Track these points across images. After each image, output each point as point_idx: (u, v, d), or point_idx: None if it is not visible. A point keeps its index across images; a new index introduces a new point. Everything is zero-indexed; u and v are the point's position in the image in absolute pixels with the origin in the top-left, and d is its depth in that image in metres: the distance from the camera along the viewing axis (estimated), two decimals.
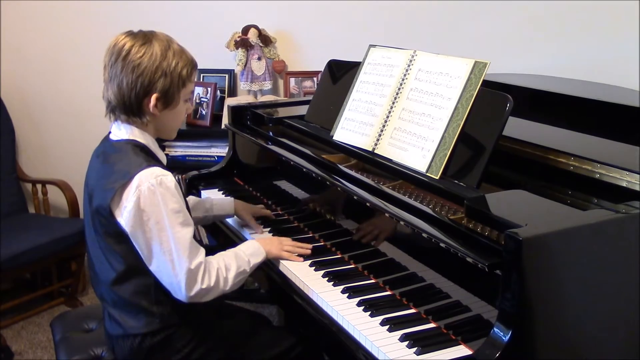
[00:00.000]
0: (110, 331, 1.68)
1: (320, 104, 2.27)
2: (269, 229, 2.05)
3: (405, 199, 1.62)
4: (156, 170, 1.56)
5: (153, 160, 1.61)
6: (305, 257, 1.81)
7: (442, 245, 1.43)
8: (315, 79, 3.26)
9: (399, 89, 1.86)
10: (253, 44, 3.20)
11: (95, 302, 3.36)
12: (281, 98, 3.29)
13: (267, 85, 3.25)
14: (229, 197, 2.20)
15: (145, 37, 1.60)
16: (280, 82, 3.36)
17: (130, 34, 1.62)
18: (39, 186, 3.51)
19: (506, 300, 1.24)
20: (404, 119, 1.81)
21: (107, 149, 1.66)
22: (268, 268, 1.83)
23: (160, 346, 1.64)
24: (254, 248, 1.76)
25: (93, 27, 3.49)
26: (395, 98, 1.86)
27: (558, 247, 1.25)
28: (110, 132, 1.71)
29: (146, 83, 1.58)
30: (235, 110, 2.54)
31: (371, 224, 1.77)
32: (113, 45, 1.62)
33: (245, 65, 3.22)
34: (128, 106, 1.61)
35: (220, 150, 3.19)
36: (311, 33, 3.30)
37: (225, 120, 3.11)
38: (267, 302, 3.20)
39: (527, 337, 1.24)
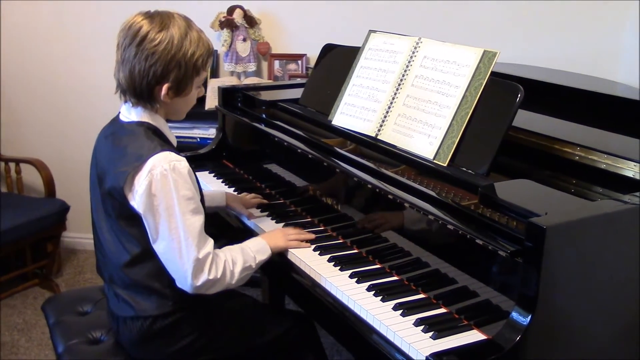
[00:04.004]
0: (118, 313, 1.65)
1: (316, 88, 2.26)
2: (266, 213, 2.04)
3: (415, 184, 1.64)
4: (170, 155, 1.53)
5: (167, 145, 1.58)
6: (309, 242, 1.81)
7: (449, 228, 1.46)
8: (300, 62, 3.25)
9: (403, 75, 1.87)
10: (238, 24, 3.15)
11: (71, 284, 3.32)
12: (265, 80, 3.26)
13: (252, 67, 3.22)
14: (220, 190, 2.16)
15: (162, 23, 1.54)
16: (264, 64, 3.33)
17: (148, 16, 1.56)
18: (11, 164, 3.41)
19: (527, 286, 1.27)
20: (409, 105, 1.82)
21: (118, 131, 1.62)
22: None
23: (169, 329, 1.63)
24: (260, 245, 1.73)
25: (71, 3, 3.39)
26: (399, 84, 1.87)
27: (576, 235, 1.28)
28: (119, 113, 1.67)
29: (159, 73, 1.54)
30: (226, 92, 2.51)
31: (373, 208, 1.78)
32: (128, 26, 1.55)
33: (230, 46, 3.17)
34: (139, 92, 1.57)
35: (202, 131, 3.16)
36: (296, 15, 3.27)
37: (209, 102, 3.07)
38: (249, 284, 3.19)
39: (545, 321, 1.28)
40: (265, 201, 2.12)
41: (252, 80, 3.20)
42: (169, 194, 1.51)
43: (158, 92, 1.58)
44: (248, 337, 1.77)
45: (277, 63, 3.27)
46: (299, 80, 3.04)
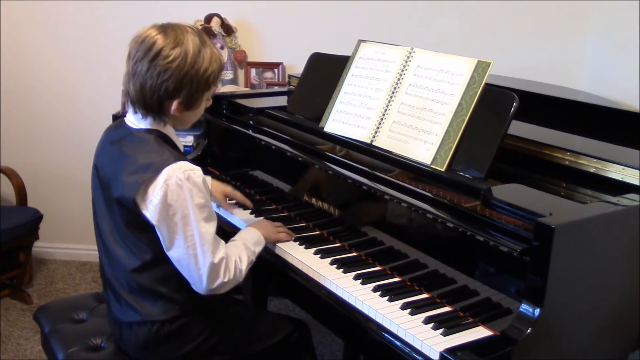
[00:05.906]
0: (122, 318, 1.65)
1: (304, 96, 2.30)
2: (260, 219, 2.06)
3: (415, 188, 1.69)
4: (184, 165, 1.54)
5: (178, 154, 1.60)
6: (308, 245, 1.86)
7: (450, 229, 1.52)
8: (276, 70, 3.29)
9: (397, 83, 1.93)
10: (216, 32, 3.18)
11: (43, 295, 3.25)
12: (242, 88, 3.29)
13: (229, 75, 3.24)
14: (207, 176, 2.17)
15: (176, 38, 1.53)
16: (241, 73, 3.36)
17: (162, 30, 1.55)
18: None
19: (534, 282, 1.34)
20: (404, 112, 1.88)
21: (127, 138, 1.62)
22: (271, 256, 1.87)
23: (177, 333, 1.64)
24: (257, 237, 1.78)
25: (46, 12, 3.35)
26: (393, 92, 1.93)
27: (578, 234, 1.37)
28: (124, 117, 1.68)
29: (171, 89, 1.55)
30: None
31: (369, 211, 1.83)
32: (142, 40, 1.55)
33: None
34: (148, 105, 1.58)
35: (180, 139, 3.14)
36: (272, 24, 3.32)
37: None
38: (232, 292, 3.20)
39: (552, 314, 1.35)
40: (249, 203, 2.13)
41: (230, 88, 3.22)
42: (185, 203, 1.53)
43: (168, 106, 1.59)
44: (252, 341, 1.79)
45: (253, 71, 3.30)
46: (276, 89, 3.09)
